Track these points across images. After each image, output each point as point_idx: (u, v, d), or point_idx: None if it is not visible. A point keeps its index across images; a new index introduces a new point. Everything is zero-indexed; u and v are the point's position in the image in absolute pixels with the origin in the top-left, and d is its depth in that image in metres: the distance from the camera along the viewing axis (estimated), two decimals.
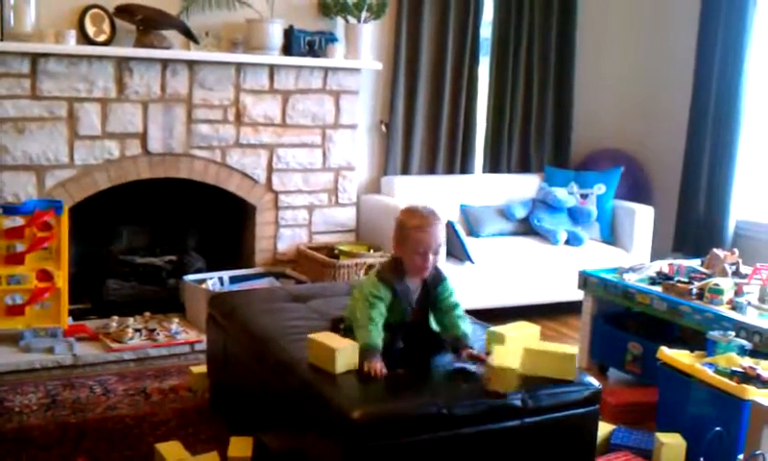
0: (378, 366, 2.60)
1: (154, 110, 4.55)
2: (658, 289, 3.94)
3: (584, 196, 5.55)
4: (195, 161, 4.71)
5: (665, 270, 4.15)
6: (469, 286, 4.84)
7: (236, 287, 4.55)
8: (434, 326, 2.91)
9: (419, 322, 2.89)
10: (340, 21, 5.07)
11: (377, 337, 2.69)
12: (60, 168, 4.38)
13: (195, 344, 4.25)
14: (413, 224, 2.77)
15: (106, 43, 4.42)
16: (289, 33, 4.83)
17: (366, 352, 2.64)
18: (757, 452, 2.59)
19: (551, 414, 2.65)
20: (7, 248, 4.01)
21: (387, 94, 5.41)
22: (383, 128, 5.43)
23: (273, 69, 4.81)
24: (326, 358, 2.63)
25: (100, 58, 4.38)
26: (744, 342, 3.33)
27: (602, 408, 2.88)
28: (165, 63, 4.53)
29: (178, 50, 4.59)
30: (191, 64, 4.60)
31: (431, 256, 2.78)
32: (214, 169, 4.77)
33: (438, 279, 2.88)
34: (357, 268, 4.63)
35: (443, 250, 4.69)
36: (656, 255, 5.33)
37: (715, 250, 4.24)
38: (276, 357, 2.86)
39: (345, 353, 2.63)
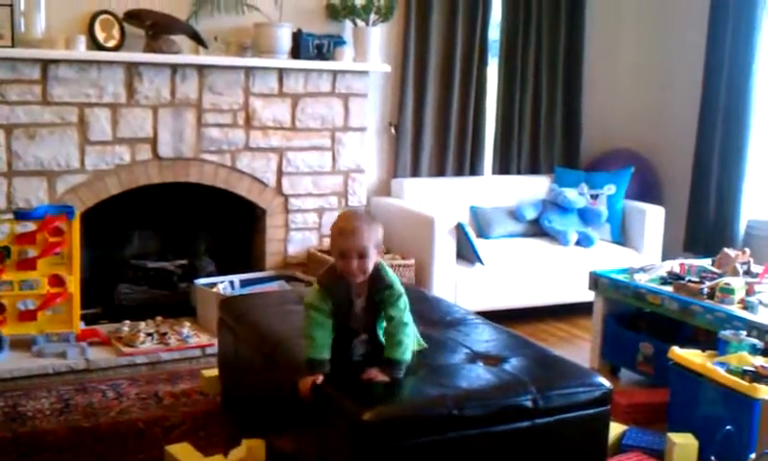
0: (308, 382, 2.57)
1: (164, 115, 4.57)
2: (669, 289, 3.93)
3: (594, 197, 5.53)
4: (205, 165, 4.73)
5: (676, 270, 4.14)
6: (480, 288, 4.85)
7: (247, 291, 4.56)
8: (381, 338, 2.71)
9: (367, 331, 2.77)
10: (348, 24, 5.08)
11: (316, 351, 2.62)
12: (72, 173, 4.41)
13: (206, 347, 4.26)
14: (335, 227, 2.66)
15: (115, 49, 4.44)
16: (297, 36, 4.83)
17: (307, 367, 2.62)
18: None
19: (562, 415, 2.64)
20: (19, 253, 4.03)
21: (396, 96, 5.42)
22: (392, 130, 5.44)
23: (282, 73, 4.82)
24: None
25: (110, 63, 4.40)
26: (756, 341, 3.32)
27: (613, 409, 2.87)
28: (175, 68, 4.55)
29: (187, 55, 4.60)
30: (200, 69, 4.62)
31: (355, 261, 2.58)
32: (224, 173, 4.78)
33: (378, 284, 2.65)
34: None
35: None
36: (667, 255, 5.31)
37: (726, 249, 4.22)
38: (287, 360, 2.87)
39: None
